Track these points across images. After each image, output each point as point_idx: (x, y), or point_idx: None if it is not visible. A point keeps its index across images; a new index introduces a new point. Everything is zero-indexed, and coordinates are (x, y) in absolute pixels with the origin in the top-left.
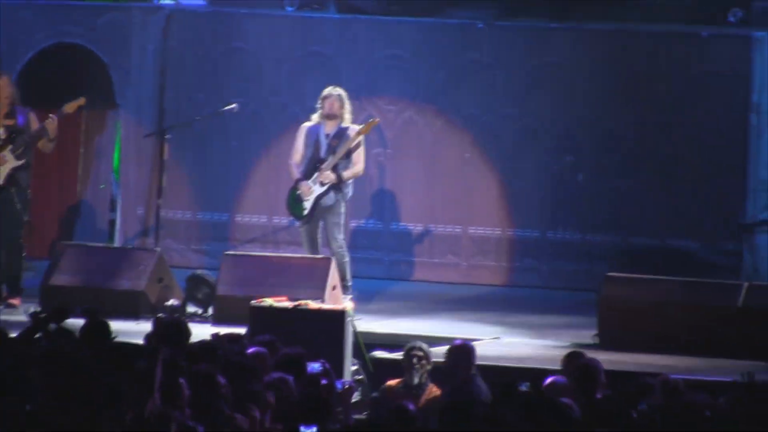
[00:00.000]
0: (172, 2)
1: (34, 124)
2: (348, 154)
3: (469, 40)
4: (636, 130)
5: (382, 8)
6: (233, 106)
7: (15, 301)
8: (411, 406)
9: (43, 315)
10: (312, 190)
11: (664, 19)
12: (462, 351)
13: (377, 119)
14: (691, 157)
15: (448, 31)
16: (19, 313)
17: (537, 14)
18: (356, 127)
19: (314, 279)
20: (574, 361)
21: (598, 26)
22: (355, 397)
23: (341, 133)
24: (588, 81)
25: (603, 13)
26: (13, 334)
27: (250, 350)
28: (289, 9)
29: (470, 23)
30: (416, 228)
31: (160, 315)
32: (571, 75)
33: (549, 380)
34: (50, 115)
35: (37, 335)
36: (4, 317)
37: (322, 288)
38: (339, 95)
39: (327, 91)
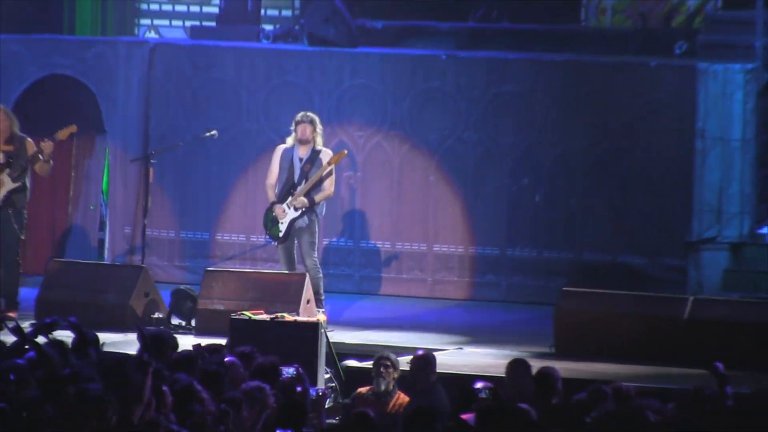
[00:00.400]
0: (156, 36)
1: (31, 149)
2: (320, 181)
3: (432, 70)
4: (589, 154)
5: (349, 41)
6: (213, 132)
7: (12, 314)
8: (371, 412)
9: (18, 328)
10: (286, 213)
11: (616, 51)
12: (424, 360)
13: (345, 151)
14: (640, 180)
15: (412, 61)
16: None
17: (496, 45)
18: (328, 152)
19: (290, 293)
20: (517, 368)
21: (554, 57)
22: (328, 403)
23: (314, 157)
24: (544, 108)
25: (558, 45)
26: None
27: (227, 359)
28: (265, 42)
29: (433, 54)
30: (384, 246)
31: (146, 327)
32: (529, 102)
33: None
34: (45, 139)
35: (26, 346)
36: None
37: (297, 302)
38: (311, 120)
39: (300, 116)
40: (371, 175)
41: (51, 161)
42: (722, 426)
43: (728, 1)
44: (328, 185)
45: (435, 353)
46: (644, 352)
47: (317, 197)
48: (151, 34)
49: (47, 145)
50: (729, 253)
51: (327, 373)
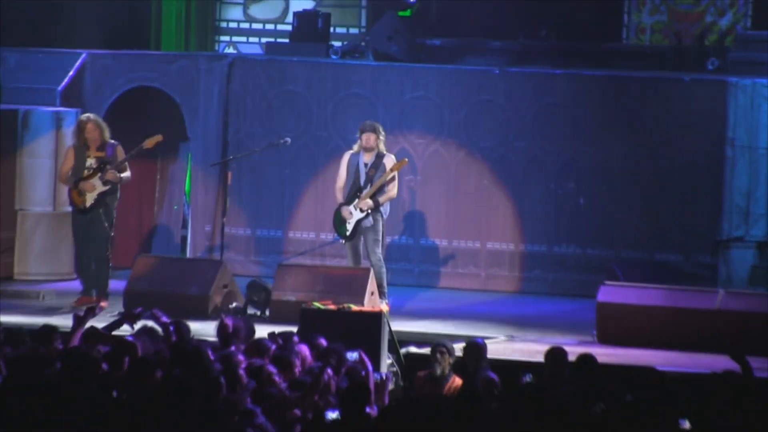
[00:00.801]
0: (234, 52)
1: (120, 155)
2: (383, 185)
3: (485, 84)
4: (627, 161)
5: (410, 57)
6: (286, 140)
7: (104, 304)
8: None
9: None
10: (353, 215)
11: (652, 67)
12: (475, 347)
13: (406, 159)
14: (675, 184)
15: (467, 76)
16: (111, 313)
17: (542, 62)
18: (391, 157)
19: (355, 286)
20: (555, 355)
21: (595, 72)
22: (390, 386)
23: (378, 163)
24: (586, 118)
25: (600, 61)
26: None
27: (298, 346)
28: (334, 57)
29: (486, 69)
30: (441, 243)
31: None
32: (572, 113)
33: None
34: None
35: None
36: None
37: (362, 294)
38: (374, 128)
39: (364, 125)
40: (430, 179)
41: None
42: (749, 407)
43: (757, 22)
44: (391, 188)
45: (487, 341)
46: (678, 340)
47: (381, 199)
48: (230, 50)
49: (113, 174)
50: (755, 251)
51: (389, 358)
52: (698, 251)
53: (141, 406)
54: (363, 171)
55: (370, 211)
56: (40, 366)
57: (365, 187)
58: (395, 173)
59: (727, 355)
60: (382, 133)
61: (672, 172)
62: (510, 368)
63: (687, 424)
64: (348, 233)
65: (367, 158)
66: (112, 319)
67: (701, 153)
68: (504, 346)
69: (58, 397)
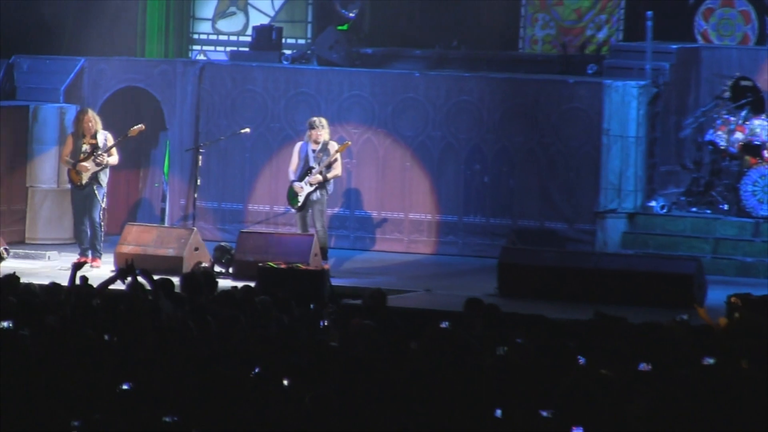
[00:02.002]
0: (204, 58)
1: (110, 142)
2: (329, 164)
3: (408, 84)
4: (524, 147)
5: (348, 63)
6: (246, 129)
7: (96, 264)
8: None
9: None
10: (304, 189)
11: (543, 71)
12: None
13: (349, 142)
14: (561, 166)
15: (393, 78)
16: (101, 271)
17: (454, 67)
18: (334, 144)
19: (303, 249)
20: (473, 305)
21: (497, 75)
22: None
23: (324, 147)
24: (490, 112)
25: (501, 66)
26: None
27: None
28: (285, 63)
29: (409, 73)
30: (372, 214)
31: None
32: (479, 108)
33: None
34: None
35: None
36: (93, 273)
37: (308, 255)
38: (321, 125)
39: (312, 122)
40: (363, 162)
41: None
42: (621, 346)
43: (627, 36)
44: (336, 167)
45: (409, 293)
46: (563, 294)
47: (329, 176)
48: (201, 57)
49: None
50: (626, 220)
51: (330, 308)
52: (580, 221)
53: (132, 350)
54: (312, 156)
55: (318, 185)
56: (46, 312)
57: (314, 167)
58: (338, 155)
59: (602, 304)
60: (327, 126)
61: (559, 156)
62: (428, 316)
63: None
64: (299, 204)
65: (315, 146)
66: (109, 276)
67: (583, 141)
68: (423, 297)
69: (61, 341)
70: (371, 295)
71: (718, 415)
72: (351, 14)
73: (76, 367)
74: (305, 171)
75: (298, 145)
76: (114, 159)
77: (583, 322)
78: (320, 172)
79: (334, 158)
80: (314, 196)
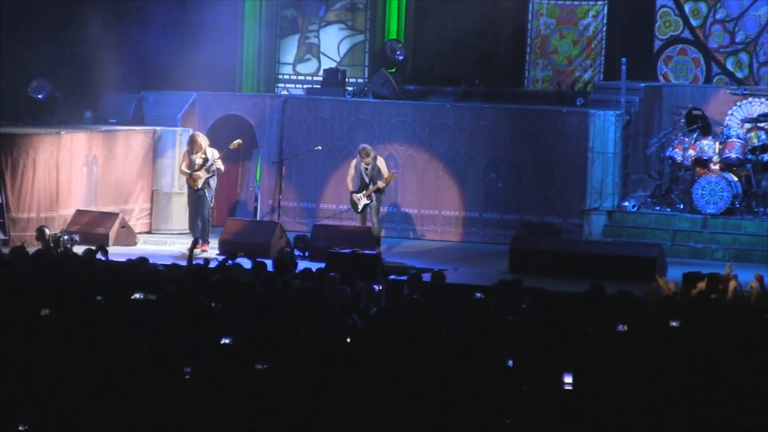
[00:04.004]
0: (287, 93)
1: (216, 155)
2: (377, 189)
3: (441, 113)
4: (529, 161)
5: (395, 96)
6: (319, 147)
7: (206, 248)
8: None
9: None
10: (361, 200)
11: (544, 103)
12: (440, 274)
13: (395, 174)
14: (557, 174)
15: (430, 108)
16: (209, 255)
17: (476, 99)
18: (381, 160)
19: (361, 238)
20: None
21: (508, 106)
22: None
23: (373, 165)
24: (503, 134)
25: (511, 99)
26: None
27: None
28: (348, 96)
29: (442, 104)
30: (413, 211)
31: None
32: (494, 131)
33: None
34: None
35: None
36: (204, 256)
37: (365, 243)
38: (367, 153)
39: (360, 151)
40: (406, 171)
41: (221, 167)
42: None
43: (606, 76)
44: (382, 184)
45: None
46: (559, 272)
47: (381, 184)
48: (284, 92)
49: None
50: (606, 216)
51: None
52: (572, 216)
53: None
54: (364, 172)
55: (371, 195)
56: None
57: (369, 184)
58: (384, 168)
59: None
60: (371, 152)
61: (555, 167)
62: (460, 289)
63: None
64: (359, 210)
65: (366, 165)
66: (221, 258)
67: (573, 156)
68: (453, 274)
69: (179, 306)
70: (434, 274)
71: (682, 366)
72: (399, 56)
73: (189, 324)
74: (362, 185)
75: (354, 161)
76: (220, 168)
77: (575, 293)
78: (371, 189)
79: (385, 182)
80: (370, 204)
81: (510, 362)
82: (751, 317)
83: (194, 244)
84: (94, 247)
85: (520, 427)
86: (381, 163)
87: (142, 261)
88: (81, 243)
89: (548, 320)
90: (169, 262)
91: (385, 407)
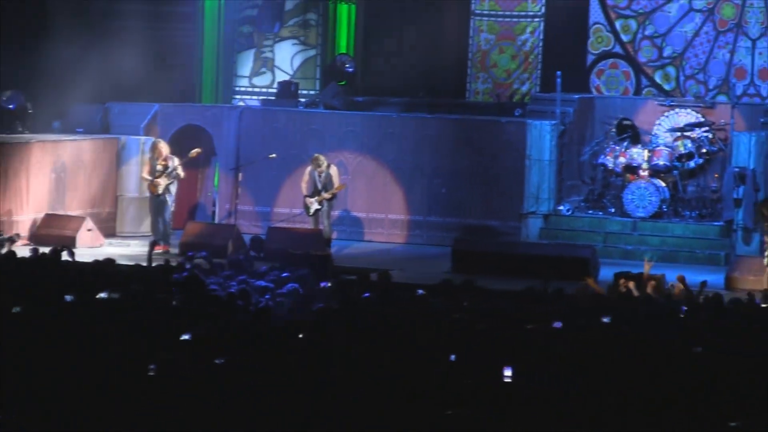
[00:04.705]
0: (243, 104)
1: (176, 163)
2: (332, 195)
3: (388, 123)
4: (470, 168)
5: (346, 107)
6: (273, 155)
7: (166, 249)
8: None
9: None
10: (313, 204)
11: (484, 114)
12: (386, 274)
13: (345, 185)
14: (497, 180)
15: (378, 118)
16: (168, 256)
17: (421, 110)
18: (334, 168)
19: (314, 240)
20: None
21: (451, 117)
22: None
23: (327, 172)
24: (447, 143)
25: (454, 110)
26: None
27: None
28: (301, 107)
29: (389, 114)
30: (362, 215)
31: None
32: (438, 140)
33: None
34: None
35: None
36: (165, 257)
37: (318, 245)
38: (319, 162)
39: (313, 161)
40: (356, 178)
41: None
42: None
43: (543, 88)
44: (328, 196)
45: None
46: (498, 272)
47: (327, 196)
48: (241, 103)
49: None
50: (542, 220)
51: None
52: (510, 219)
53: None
54: (318, 180)
55: (324, 202)
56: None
57: (321, 190)
58: (336, 179)
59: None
60: (324, 160)
61: (495, 174)
62: (404, 288)
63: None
64: (311, 213)
65: (319, 172)
66: (178, 260)
67: (512, 163)
68: (398, 274)
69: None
70: (380, 274)
71: (614, 359)
72: (349, 69)
73: (150, 321)
74: (315, 190)
75: (309, 168)
76: (181, 175)
77: (513, 291)
78: (323, 195)
79: (335, 191)
80: (321, 208)
81: (452, 357)
82: (673, 312)
83: (153, 246)
84: (59, 247)
85: (463, 419)
86: (334, 171)
87: (109, 261)
88: (47, 245)
89: (489, 317)
90: (132, 263)
91: (340, 401)
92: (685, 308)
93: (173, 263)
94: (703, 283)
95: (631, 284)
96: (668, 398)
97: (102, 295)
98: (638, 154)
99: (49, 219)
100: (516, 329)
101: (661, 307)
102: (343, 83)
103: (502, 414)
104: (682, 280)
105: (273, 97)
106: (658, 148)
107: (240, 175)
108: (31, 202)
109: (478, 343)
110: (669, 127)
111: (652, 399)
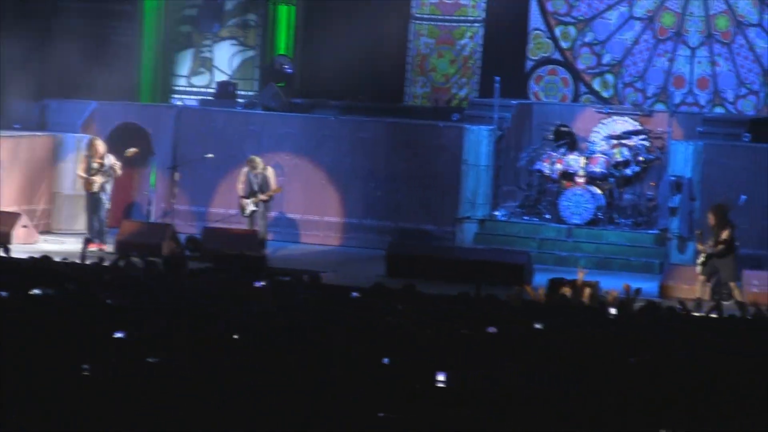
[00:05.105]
0: (181, 104)
1: (113, 161)
2: (269, 197)
3: (326, 125)
4: (407, 171)
5: (284, 109)
6: (210, 155)
7: (102, 247)
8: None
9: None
10: (249, 206)
11: (422, 118)
12: (316, 276)
13: (282, 188)
14: (434, 184)
15: (316, 120)
16: (103, 254)
17: (359, 113)
18: (270, 169)
19: (250, 241)
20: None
21: (389, 120)
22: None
23: (263, 174)
24: (384, 146)
25: (391, 113)
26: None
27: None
28: (239, 108)
29: (326, 117)
30: (297, 217)
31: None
32: (375, 143)
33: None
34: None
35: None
36: (100, 255)
37: (254, 246)
38: (255, 163)
39: (249, 161)
40: (292, 180)
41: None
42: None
43: (481, 93)
44: (265, 198)
45: (322, 273)
46: (433, 276)
47: (265, 197)
48: (179, 103)
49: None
50: (478, 224)
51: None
52: (446, 224)
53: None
54: (254, 181)
55: (259, 203)
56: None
57: (257, 191)
58: (273, 181)
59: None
60: (260, 162)
61: (431, 178)
62: (337, 288)
63: None
64: (246, 214)
65: (255, 174)
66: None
67: (448, 167)
68: (333, 276)
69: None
70: (311, 275)
71: (545, 364)
72: (288, 69)
73: (85, 319)
74: (251, 192)
75: (245, 169)
76: (118, 173)
77: (447, 296)
78: (259, 197)
79: (272, 194)
80: (257, 209)
81: (386, 360)
82: (607, 320)
83: (87, 243)
84: None
85: (397, 421)
86: (270, 173)
87: (45, 258)
88: None
89: (423, 321)
90: (67, 260)
91: (273, 402)
92: (617, 314)
93: (108, 261)
94: (637, 291)
95: (567, 290)
96: (600, 405)
97: (36, 291)
98: (575, 161)
99: None
100: (450, 334)
101: (596, 314)
102: (282, 85)
103: (436, 419)
104: (627, 288)
105: (211, 97)
106: (595, 155)
107: (177, 174)
108: None
109: (411, 346)
110: (606, 134)
111: (590, 405)
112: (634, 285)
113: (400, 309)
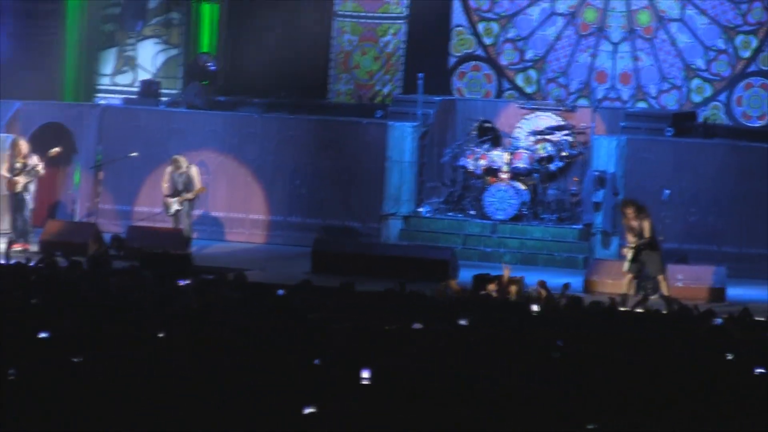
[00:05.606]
0: (105, 103)
1: (36, 161)
2: (194, 196)
3: (250, 123)
4: (332, 168)
5: (208, 107)
6: (135, 153)
7: (26, 247)
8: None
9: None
10: (173, 204)
11: (346, 114)
12: (242, 274)
13: (206, 189)
14: (357, 181)
15: (240, 118)
16: (28, 254)
17: (283, 111)
18: (194, 168)
19: (175, 239)
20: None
21: (313, 117)
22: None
23: (188, 172)
24: (308, 144)
25: (315, 111)
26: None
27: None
28: (163, 106)
29: (250, 114)
30: (222, 215)
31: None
32: (299, 140)
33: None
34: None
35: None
36: (24, 255)
37: (179, 243)
38: (178, 163)
39: (173, 161)
40: (217, 178)
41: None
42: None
43: (405, 90)
44: (190, 197)
45: (247, 272)
46: (358, 272)
47: (190, 197)
48: (103, 102)
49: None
50: (402, 221)
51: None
52: (370, 220)
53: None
54: (179, 180)
55: (185, 202)
56: None
57: (181, 191)
58: (198, 180)
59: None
60: (184, 161)
61: (355, 175)
62: (265, 286)
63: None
64: (171, 213)
65: (179, 172)
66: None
67: (372, 164)
68: (260, 274)
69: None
70: (236, 274)
71: (468, 359)
72: (212, 67)
73: (8, 319)
74: (175, 191)
75: (169, 168)
76: (41, 172)
77: (372, 292)
78: (184, 196)
79: (196, 193)
80: (182, 209)
81: (317, 361)
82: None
83: (11, 244)
84: None
85: (324, 417)
86: (194, 171)
87: None
88: None
89: (349, 317)
90: None
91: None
92: (539, 310)
93: (32, 261)
94: (566, 286)
95: (491, 286)
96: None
97: None
98: (499, 157)
99: None
100: (375, 330)
101: (520, 309)
102: (205, 82)
103: (361, 415)
104: (543, 285)
105: (135, 96)
106: (519, 151)
107: (100, 173)
108: None
109: (337, 343)
110: (530, 130)
111: (516, 401)
112: (559, 280)
113: (328, 305)
